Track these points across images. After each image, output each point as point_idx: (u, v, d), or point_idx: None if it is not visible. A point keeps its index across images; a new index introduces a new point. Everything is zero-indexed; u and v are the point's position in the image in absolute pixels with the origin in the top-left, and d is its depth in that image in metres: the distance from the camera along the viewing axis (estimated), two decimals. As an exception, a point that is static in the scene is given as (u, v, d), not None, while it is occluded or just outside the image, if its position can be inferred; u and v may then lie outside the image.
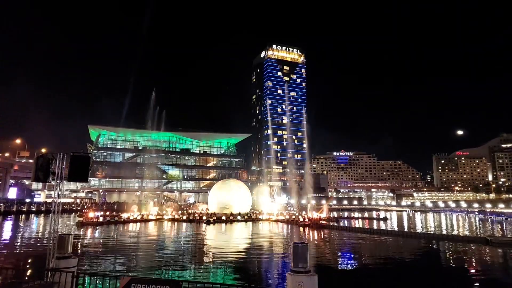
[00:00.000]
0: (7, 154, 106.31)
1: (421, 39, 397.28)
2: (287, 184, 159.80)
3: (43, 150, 74.96)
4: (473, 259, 24.35)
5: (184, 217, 52.29)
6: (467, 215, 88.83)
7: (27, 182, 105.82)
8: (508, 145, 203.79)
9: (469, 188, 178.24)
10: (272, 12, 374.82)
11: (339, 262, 22.21)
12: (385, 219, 61.78)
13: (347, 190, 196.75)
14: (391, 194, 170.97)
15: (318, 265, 19.14)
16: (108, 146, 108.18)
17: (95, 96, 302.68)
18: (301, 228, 43.23)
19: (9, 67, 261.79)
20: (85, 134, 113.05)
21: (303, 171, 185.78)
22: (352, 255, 25.25)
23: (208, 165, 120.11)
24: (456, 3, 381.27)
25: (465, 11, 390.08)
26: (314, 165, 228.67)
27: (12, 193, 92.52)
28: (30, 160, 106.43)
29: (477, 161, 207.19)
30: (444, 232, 42.22)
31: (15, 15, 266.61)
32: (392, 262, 22.57)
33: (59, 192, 12.07)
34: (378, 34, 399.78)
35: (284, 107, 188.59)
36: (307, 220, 48.59)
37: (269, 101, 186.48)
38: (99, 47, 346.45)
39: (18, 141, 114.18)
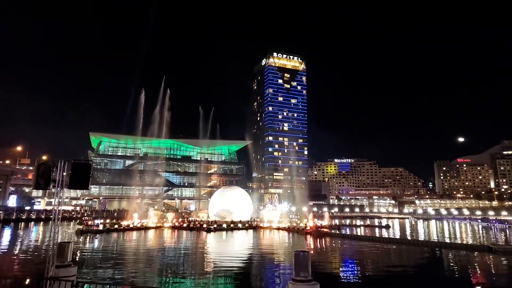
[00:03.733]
0: (7, 162, 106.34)
1: (422, 45, 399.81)
2: (288, 191, 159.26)
3: (44, 157, 75.07)
4: (477, 268, 24.05)
5: (185, 225, 51.97)
6: (469, 222, 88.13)
7: (27, 190, 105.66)
8: (510, 152, 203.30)
9: (471, 195, 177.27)
10: (272, 20, 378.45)
11: (341, 270, 21.96)
12: (387, 227, 61.32)
13: (348, 198, 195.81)
14: (393, 202, 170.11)
15: (320, 274, 18.91)
16: (109, 153, 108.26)
17: (96, 103, 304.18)
18: (303, 236, 42.88)
19: (11, 74, 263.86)
20: (87, 142, 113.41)
21: (304, 178, 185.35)
22: (354, 264, 24.98)
23: (209, 172, 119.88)
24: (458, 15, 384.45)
25: (468, 23, 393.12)
26: (316, 172, 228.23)
27: (12, 201, 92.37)
28: (31, 168, 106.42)
29: (478, 168, 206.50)
30: (447, 240, 41.81)
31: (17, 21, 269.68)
32: (395, 270, 22.32)
33: (59, 200, 12.01)
34: (379, 41, 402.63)
35: (285, 114, 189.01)
36: (308, 228, 48.24)
37: (270, 108, 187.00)
38: (100, 54, 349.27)
39: (19, 148, 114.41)
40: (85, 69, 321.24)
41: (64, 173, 12.29)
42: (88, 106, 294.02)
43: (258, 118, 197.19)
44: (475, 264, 25.53)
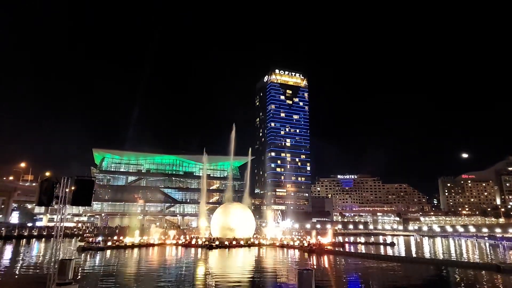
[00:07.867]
0: (11, 178, 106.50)
1: (423, 58, 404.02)
2: (291, 207, 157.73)
3: (47, 174, 75.24)
4: (485, 287, 23.47)
5: (187, 242, 51.41)
6: (476, 240, 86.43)
7: (29, 206, 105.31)
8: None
9: (477, 212, 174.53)
10: (274, 37, 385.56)
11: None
12: (392, 244, 60.17)
13: (352, 214, 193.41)
14: (397, 218, 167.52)
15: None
16: (112, 169, 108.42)
17: (100, 119, 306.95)
18: (306, 254, 42.18)
19: (15, 90, 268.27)
20: (90, 158, 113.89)
21: (307, 195, 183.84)
22: (359, 282, 24.49)
23: (211, 188, 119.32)
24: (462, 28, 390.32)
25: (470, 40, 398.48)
26: (318, 188, 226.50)
27: (15, 217, 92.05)
28: (34, 184, 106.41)
29: (484, 184, 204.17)
30: (454, 258, 40.95)
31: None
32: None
33: (62, 216, 12.03)
34: (381, 56, 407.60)
35: (287, 129, 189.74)
36: (311, 245, 47.51)
37: (273, 124, 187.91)
38: (104, 71, 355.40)
39: (22, 164, 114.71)
40: (88, 84, 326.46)
41: (67, 190, 12.35)
42: (91, 122, 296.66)
43: (261, 134, 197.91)
44: (483, 283, 24.92)
